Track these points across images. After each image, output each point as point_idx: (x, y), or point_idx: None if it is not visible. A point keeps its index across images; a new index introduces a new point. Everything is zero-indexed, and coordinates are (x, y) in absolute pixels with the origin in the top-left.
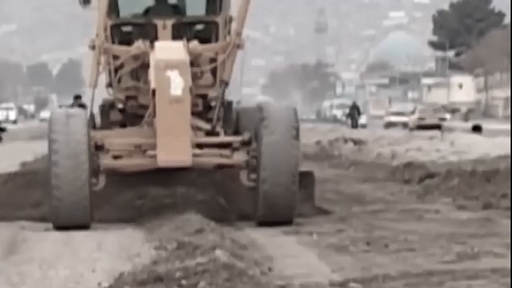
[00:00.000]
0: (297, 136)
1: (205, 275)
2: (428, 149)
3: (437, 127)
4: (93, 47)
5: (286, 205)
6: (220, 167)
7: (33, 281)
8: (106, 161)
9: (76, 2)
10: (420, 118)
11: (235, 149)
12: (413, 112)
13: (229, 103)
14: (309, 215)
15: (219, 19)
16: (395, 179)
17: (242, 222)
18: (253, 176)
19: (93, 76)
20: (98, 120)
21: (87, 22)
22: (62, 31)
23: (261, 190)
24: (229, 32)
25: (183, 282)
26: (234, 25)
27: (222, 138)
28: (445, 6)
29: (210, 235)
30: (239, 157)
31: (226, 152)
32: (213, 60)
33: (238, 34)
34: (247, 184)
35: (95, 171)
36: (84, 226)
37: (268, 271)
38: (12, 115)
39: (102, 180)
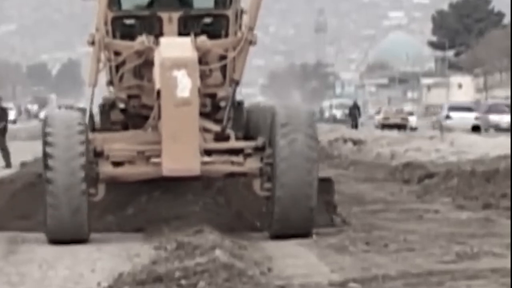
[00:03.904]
0: (315, 141)
1: (204, 275)
2: (427, 149)
3: (399, 126)
4: (92, 42)
5: (304, 216)
6: (231, 175)
7: (33, 281)
8: (105, 168)
9: (76, 2)
10: (385, 118)
11: (248, 156)
12: (378, 113)
13: (240, 103)
14: (329, 226)
15: (230, 13)
16: (395, 179)
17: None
18: (268, 185)
19: (93, 74)
20: (97, 118)
21: (87, 22)
22: (62, 31)
23: (276, 201)
24: (240, 27)
25: (183, 282)
26: (246, 19)
27: (233, 144)
28: (445, 6)
29: (209, 235)
30: (252, 164)
31: (237, 159)
32: (222, 57)
33: (251, 29)
34: (261, 193)
35: (93, 179)
36: (81, 241)
37: (268, 271)
38: (12, 115)
39: (101, 190)
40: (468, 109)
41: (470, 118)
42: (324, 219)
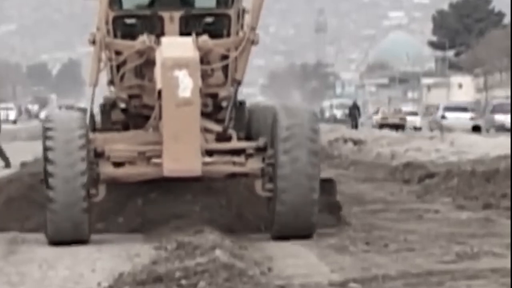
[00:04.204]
0: (317, 142)
1: (205, 275)
2: (427, 149)
3: (397, 126)
4: (93, 42)
5: (306, 217)
6: (233, 175)
7: (33, 281)
8: (106, 169)
9: (76, 2)
10: (383, 118)
11: (249, 156)
12: (376, 113)
13: (242, 103)
14: (330, 227)
15: (232, 12)
16: (395, 179)
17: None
18: (269, 185)
19: (94, 73)
20: (98, 118)
21: (87, 22)
22: (62, 31)
23: (278, 201)
24: (242, 27)
25: (183, 282)
26: (248, 19)
27: (235, 144)
28: (445, 6)
29: (210, 235)
30: (254, 164)
31: (239, 159)
32: (224, 57)
33: (253, 28)
34: (263, 194)
35: (94, 180)
36: (82, 242)
37: (268, 271)
38: (12, 115)
39: (102, 191)
40: (463, 109)
41: (465, 118)
42: (326, 219)
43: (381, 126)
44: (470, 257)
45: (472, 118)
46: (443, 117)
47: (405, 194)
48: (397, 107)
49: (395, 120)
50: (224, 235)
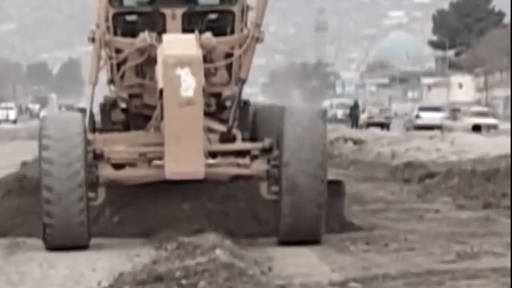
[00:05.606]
0: (325, 143)
1: (205, 274)
2: (428, 149)
3: (382, 124)
4: (93, 39)
5: (313, 221)
6: (237, 178)
7: (33, 280)
8: (106, 172)
9: (76, 2)
10: (369, 117)
11: (254, 157)
12: (363, 111)
13: (246, 103)
14: (338, 231)
15: (235, 9)
16: (395, 178)
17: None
18: (275, 188)
19: (93, 72)
20: (98, 118)
21: (87, 21)
22: (62, 30)
23: (283, 204)
24: (246, 24)
25: (183, 281)
26: (252, 16)
27: (239, 145)
28: (445, 6)
29: (210, 235)
30: (259, 166)
31: (243, 161)
32: (228, 55)
33: (257, 25)
34: (268, 197)
35: (93, 183)
36: (81, 247)
37: (268, 271)
38: (12, 114)
39: (101, 194)
40: (436, 109)
41: (437, 117)
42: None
43: (368, 125)
44: (470, 257)
45: (446, 118)
46: (417, 116)
47: (406, 194)
48: (383, 107)
49: (380, 119)
50: (224, 235)
